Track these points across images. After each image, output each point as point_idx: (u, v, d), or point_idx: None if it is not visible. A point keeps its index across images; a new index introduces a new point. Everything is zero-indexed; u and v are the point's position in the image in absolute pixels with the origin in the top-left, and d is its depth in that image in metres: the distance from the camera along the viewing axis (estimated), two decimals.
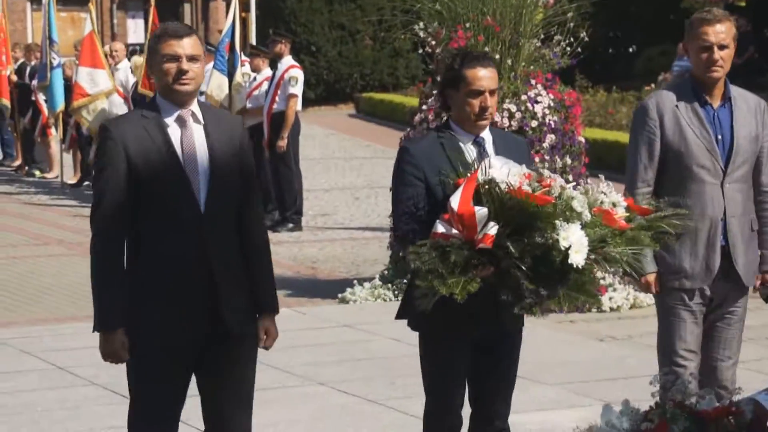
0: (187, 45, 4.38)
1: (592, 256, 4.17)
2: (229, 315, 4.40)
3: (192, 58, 4.38)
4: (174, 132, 4.42)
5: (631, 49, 28.88)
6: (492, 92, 4.64)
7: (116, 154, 4.35)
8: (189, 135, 4.43)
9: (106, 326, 4.39)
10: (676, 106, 5.26)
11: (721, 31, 5.19)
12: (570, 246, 4.07)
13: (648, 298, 9.73)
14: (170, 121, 4.42)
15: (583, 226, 4.16)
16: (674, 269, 5.26)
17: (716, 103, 5.29)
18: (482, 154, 4.60)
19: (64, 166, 17.87)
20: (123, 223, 4.37)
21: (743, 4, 15.49)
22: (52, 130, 18.23)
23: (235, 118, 4.86)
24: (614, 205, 4.29)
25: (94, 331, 4.46)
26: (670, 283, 5.27)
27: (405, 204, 4.54)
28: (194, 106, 4.46)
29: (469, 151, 4.61)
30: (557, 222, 4.10)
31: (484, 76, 4.62)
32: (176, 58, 4.36)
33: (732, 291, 5.34)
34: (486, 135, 4.70)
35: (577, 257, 4.08)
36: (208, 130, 4.45)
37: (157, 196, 4.36)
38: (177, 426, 4.52)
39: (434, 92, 9.92)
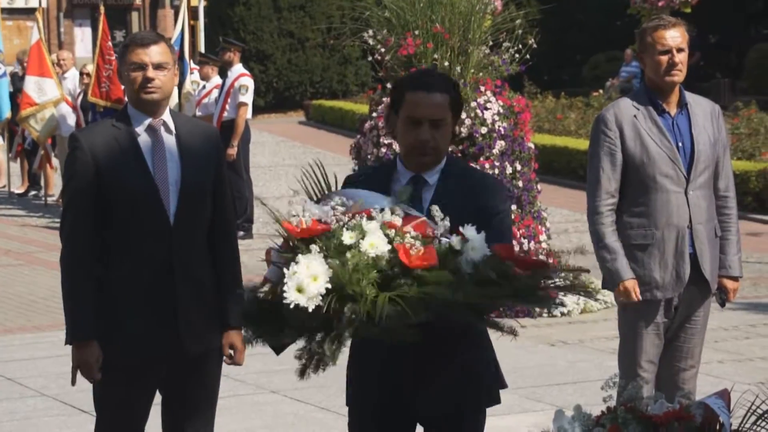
0: (154, 53, 4.31)
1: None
2: (187, 337, 4.33)
3: (159, 66, 4.31)
4: (144, 142, 4.33)
5: (578, 56, 29.07)
6: (435, 124, 3.82)
7: (85, 165, 4.28)
8: (160, 145, 4.34)
9: (81, 337, 4.28)
10: (635, 116, 5.26)
11: (677, 36, 5.23)
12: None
13: (598, 303, 9.79)
14: (141, 130, 4.34)
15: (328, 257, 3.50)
16: (644, 281, 5.25)
17: (673, 110, 5.30)
18: (414, 196, 3.81)
19: (11, 176, 17.71)
20: (92, 233, 4.29)
21: (688, 10, 15.64)
22: None
23: (209, 127, 4.77)
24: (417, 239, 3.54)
25: (66, 344, 4.34)
26: (641, 294, 5.27)
27: None
28: (166, 115, 4.38)
29: (401, 193, 3.81)
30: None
31: (425, 104, 3.81)
32: (142, 67, 4.30)
33: (697, 298, 5.35)
34: (431, 176, 3.88)
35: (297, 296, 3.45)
36: (180, 139, 4.37)
37: (126, 207, 4.28)
38: None
39: (383, 100, 9.93)
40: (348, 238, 3.48)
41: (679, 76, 5.23)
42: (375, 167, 4.35)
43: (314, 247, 3.48)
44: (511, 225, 4.04)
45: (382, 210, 3.61)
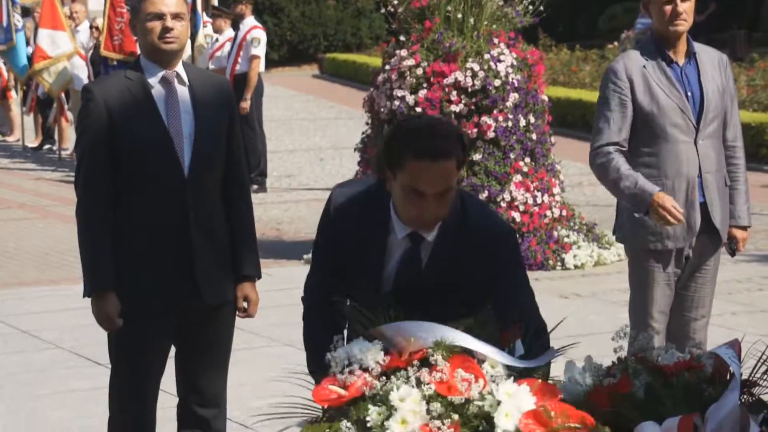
0: (172, 2, 4.27)
1: None
2: (204, 286, 4.34)
3: (176, 16, 4.27)
4: (158, 94, 4.30)
5: (594, 7, 28.85)
6: (441, 194, 3.39)
7: (98, 116, 4.25)
8: (173, 97, 4.31)
9: (100, 289, 4.27)
10: (644, 66, 5.23)
11: None
12: None
13: (612, 255, 9.80)
14: (154, 82, 4.31)
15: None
16: (655, 231, 5.21)
17: (681, 60, 5.28)
18: (411, 256, 3.52)
19: (25, 129, 17.73)
20: (107, 185, 4.27)
21: None
22: (12, 93, 18.08)
23: (222, 78, 4.71)
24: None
25: (85, 296, 4.33)
26: (652, 245, 5.24)
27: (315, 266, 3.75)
28: (179, 67, 4.34)
29: (399, 248, 3.53)
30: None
31: (430, 175, 3.34)
32: (160, 16, 4.25)
33: (707, 248, 5.35)
34: (430, 233, 3.51)
35: None
36: (193, 91, 4.34)
37: (140, 159, 4.26)
38: (157, 393, 4.49)
39: (397, 53, 9.89)
40: (375, 415, 2.99)
41: (683, 25, 5.19)
42: (366, 196, 3.59)
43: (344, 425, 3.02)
44: (526, 272, 3.66)
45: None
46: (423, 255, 3.52)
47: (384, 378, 3.06)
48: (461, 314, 3.30)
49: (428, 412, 2.94)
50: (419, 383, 3.00)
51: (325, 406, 3.10)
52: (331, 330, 3.49)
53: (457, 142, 3.40)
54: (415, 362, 3.06)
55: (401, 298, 3.47)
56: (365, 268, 3.56)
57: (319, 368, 3.32)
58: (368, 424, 2.96)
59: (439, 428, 2.90)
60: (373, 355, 3.09)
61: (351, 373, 3.09)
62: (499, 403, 2.93)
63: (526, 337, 3.29)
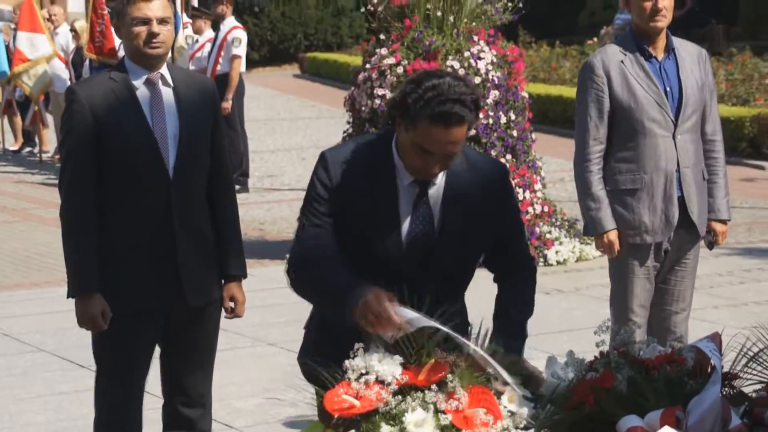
0: (157, 7, 4.27)
1: None
2: (189, 287, 4.34)
3: (162, 21, 4.27)
4: (143, 95, 4.30)
5: (573, 4, 28.91)
6: (449, 154, 3.45)
7: (82, 118, 4.25)
8: (158, 98, 4.31)
9: (85, 290, 4.26)
10: (622, 61, 5.25)
11: None
12: None
13: (594, 251, 9.82)
14: (139, 83, 4.31)
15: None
16: (633, 225, 5.27)
17: (660, 55, 5.30)
18: (419, 201, 3.54)
19: (5, 132, 17.68)
20: (91, 186, 4.26)
21: None
22: None
23: (206, 79, 4.71)
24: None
25: (69, 296, 4.32)
26: (630, 239, 5.28)
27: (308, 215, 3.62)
28: (164, 69, 4.34)
29: (407, 194, 3.53)
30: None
31: (442, 140, 3.39)
32: (146, 22, 4.25)
33: (686, 242, 5.38)
34: (438, 178, 3.56)
35: None
36: (178, 92, 4.34)
37: (125, 161, 4.25)
38: (143, 393, 4.48)
39: (377, 51, 9.90)
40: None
41: (663, 21, 5.22)
42: (365, 147, 3.59)
43: None
44: (522, 221, 3.82)
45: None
46: (432, 201, 3.53)
47: (399, 396, 3.02)
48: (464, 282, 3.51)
49: None
50: (436, 410, 2.97)
51: (336, 415, 3.04)
52: (345, 265, 3.44)
53: (472, 105, 3.41)
54: (433, 386, 3.03)
55: (411, 255, 3.49)
56: (377, 216, 3.50)
57: (352, 297, 3.26)
58: None
59: None
60: (392, 369, 3.06)
61: (366, 383, 3.04)
62: None
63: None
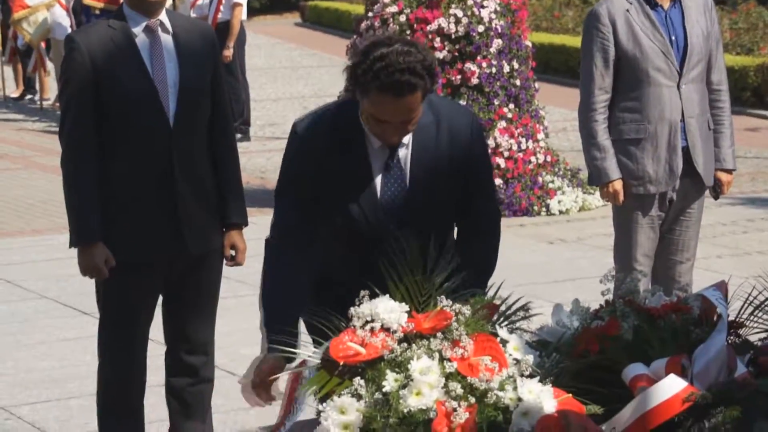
0: None
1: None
2: (190, 235, 4.33)
3: None
4: (142, 43, 4.27)
5: None
6: (405, 121, 3.40)
7: (83, 66, 4.22)
8: (158, 45, 4.28)
9: (88, 239, 4.25)
10: (627, 10, 5.23)
11: None
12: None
13: (597, 200, 9.82)
14: (138, 31, 4.27)
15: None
16: (637, 175, 5.26)
17: (666, 4, 5.27)
18: (390, 162, 3.51)
19: (5, 80, 17.61)
20: (92, 135, 4.24)
21: None
22: None
23: (205, 25, 4.68)
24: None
25: (71, 246, 4.31)
26: (634, 189, 5.27)
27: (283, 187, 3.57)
28: (163, 16, 4.30)
29: (378, 156, 3.50)
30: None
31: (395, 110, 3.34)
32: None
33: (690, 191, 5.38)
34: (406, 137, 3.50)
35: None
36: (177, 39, 4.30)
37: (125, 109, 4.23)
38: (146, 341, 4.48)
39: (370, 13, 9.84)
40: (392, 381, 2.93)
41: None
42: (334, 114, 3.57)
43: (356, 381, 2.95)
44: (491, 168, 3.81)
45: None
46: (402, 161, 3.50)
47: (404, 344, 3.00)
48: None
49: (446, 391, 2.91)
50: (441, 358, 2.96)
51: (341, 363, 3.02)
52: (300, 284, 3.45)
53: (423, 71, 3.33)
54: (439, 334, 3.01)
55: (388, 215, 3.49)
56: (351, 181, 3.48)
57: (279, 327, 3.30)
58: (384, 389, 2.91)
59: (455, 409, 2.85)
60: (397, 318, 3.04)
61: (372, 331, 3.02)
62: (520, 399, 2.88)
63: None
